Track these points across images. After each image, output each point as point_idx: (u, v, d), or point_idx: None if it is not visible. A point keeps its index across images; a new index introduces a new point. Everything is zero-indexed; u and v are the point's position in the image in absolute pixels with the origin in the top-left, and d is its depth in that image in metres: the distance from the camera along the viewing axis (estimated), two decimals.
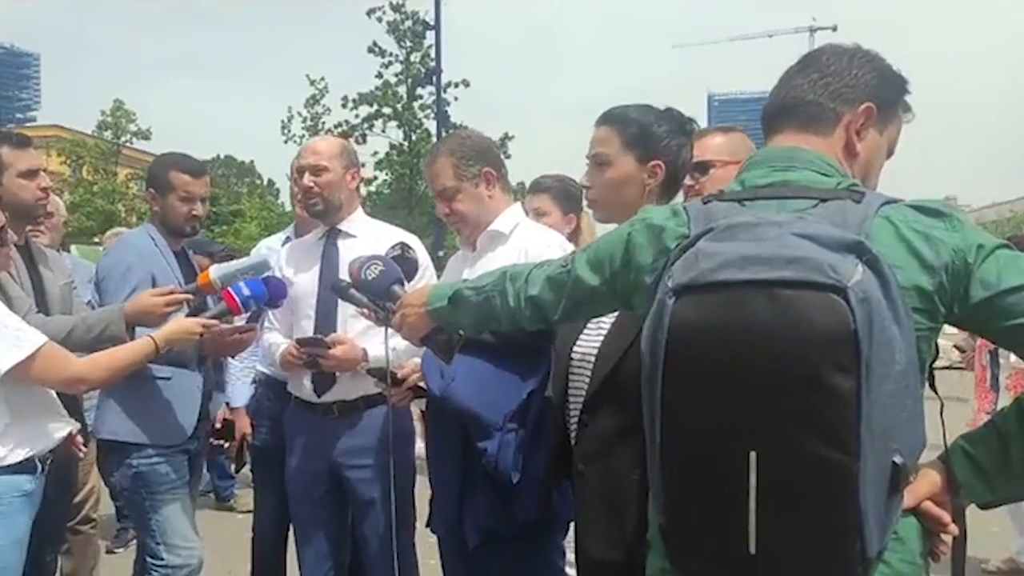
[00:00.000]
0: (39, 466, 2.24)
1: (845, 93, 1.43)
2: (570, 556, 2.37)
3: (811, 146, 1.42)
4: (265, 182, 52.87)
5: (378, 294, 1.97)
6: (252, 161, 59.20)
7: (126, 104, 28.67)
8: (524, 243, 2.34)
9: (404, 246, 2.23)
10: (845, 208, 1.30)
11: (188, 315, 2.62)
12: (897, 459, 1.19)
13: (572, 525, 2.10)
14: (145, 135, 28.85)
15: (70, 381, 2.28)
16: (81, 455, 2.41)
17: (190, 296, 2.61)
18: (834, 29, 58.45)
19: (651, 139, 1.93)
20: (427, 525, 2.37)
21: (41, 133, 30.43)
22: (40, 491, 2.26)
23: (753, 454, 1.17)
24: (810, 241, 1.20)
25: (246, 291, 2.53)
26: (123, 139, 28.90)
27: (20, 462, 2.18)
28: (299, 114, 22.05)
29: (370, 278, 1.95)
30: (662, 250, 1.40)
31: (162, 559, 2.73)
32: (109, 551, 4.66)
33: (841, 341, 1.12)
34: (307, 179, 2.80)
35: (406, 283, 1.98)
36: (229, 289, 2.53)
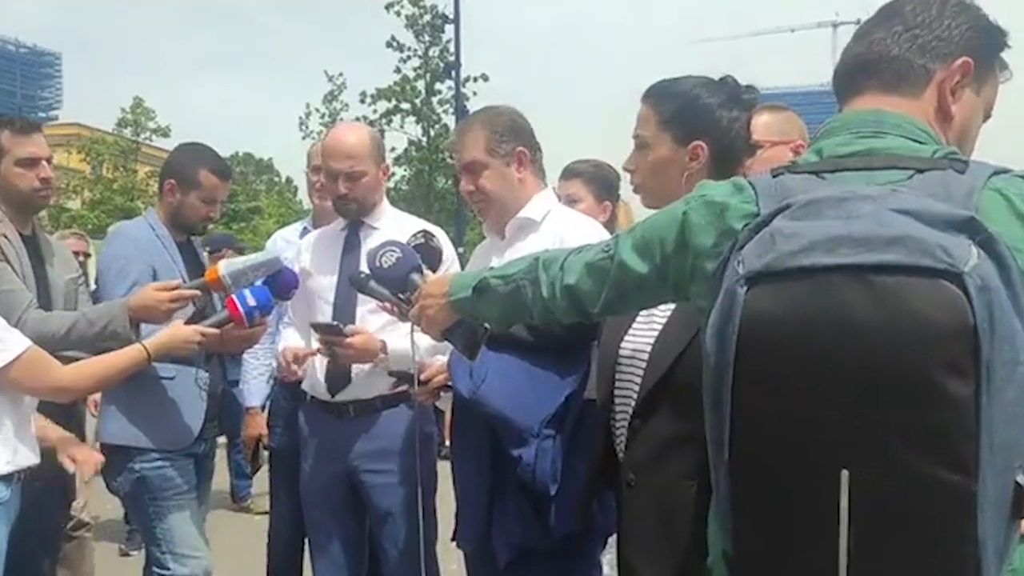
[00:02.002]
0: (14, 474, 2.09)
1: (937, 47, 1.24)
2: (607, 570, 2.20)
3: (898, 109, 1.23)
4: (284, 179, 53.02)
5: (395, 283, 1.77)
6: (271, 158, 59.34)
7: (146, 102, 28.96)
8: (559, 230, 2.14)
9: (427, 234, 2.03)
10: (947, 179, 1.11)
11: (191, 316, 2.48)
12: (1021, 479, 1.00)
13: (611, 539, 1.93)
14: (164, 132, 29.08)
15: (53, 389, 2.16)
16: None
17: (197, 293, 2.46)
18: (858, 23, 57.60)
19: (690, 115, 1.68)
20: (452, 539, 2.20)
21: (62, 131, 30.84)
22: (17, 500, 2.12)
23: (845, 472, 0.99)
24: (912, 218, 1.01)
25: (251, 301, 2.37)
26: (143, 136, 29.16)
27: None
28: (317, 110, 22.30)
29: (386, 265, 1.75)
30: (726, 231, 1.21)
31: (168, 568, 2.61)
32: (124, 553, 4.60)
33: (957, 338, 0.94)
34: (342, 186, 2.62)
35: (426, 272, 1.79)
36: (233, 297, 2.37)
